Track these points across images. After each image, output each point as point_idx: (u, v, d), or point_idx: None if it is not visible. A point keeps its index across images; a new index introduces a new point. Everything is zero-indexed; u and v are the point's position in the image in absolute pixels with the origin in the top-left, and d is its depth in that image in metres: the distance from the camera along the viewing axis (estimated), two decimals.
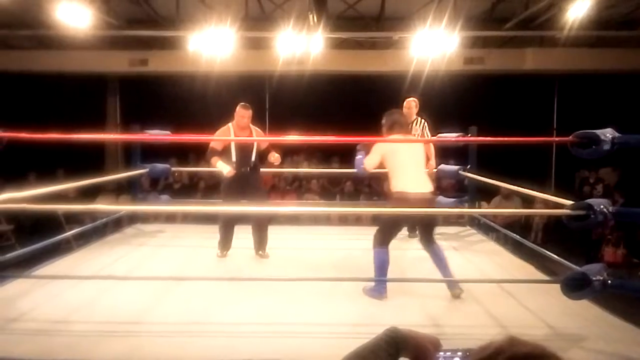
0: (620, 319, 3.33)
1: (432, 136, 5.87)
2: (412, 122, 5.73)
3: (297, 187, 9.73)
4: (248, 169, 4.69)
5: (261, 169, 4.93)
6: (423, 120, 5.77)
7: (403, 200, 3.65)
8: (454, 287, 3.72)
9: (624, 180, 9.79)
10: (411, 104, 5.73)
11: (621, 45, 9.72)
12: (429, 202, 3.72)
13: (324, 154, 10.19)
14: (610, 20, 8.69)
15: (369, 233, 5.88)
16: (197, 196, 9.02)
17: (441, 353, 1.10)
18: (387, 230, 3.79)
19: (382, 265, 3.72)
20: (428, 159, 5.70)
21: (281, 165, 5.11)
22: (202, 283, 3.88)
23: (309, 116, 9.63)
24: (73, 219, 7.66)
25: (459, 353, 1.09)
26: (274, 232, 4.92)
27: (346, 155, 9.77)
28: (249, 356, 2.70)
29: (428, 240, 3.85)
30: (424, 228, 3.87)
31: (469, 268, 4.59)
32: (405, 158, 3.77)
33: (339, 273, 4.23)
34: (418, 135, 5.73)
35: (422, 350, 1.11)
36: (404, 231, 5.94)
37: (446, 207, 6.09)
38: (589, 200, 3.23)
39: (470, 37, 9.22)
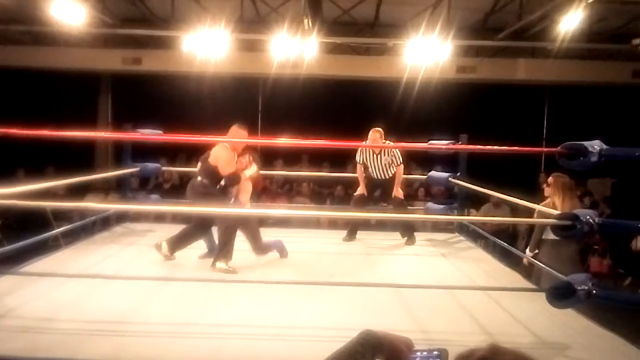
0: (605, 329, 3.35)
1: (403, 162, 5.77)
2: (379, 153, 5.68)
3: (287, 190, 9.73)
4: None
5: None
6: (392, 150, 5.66)
7: None
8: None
9: (615, 192, 9.90)
10: (375, 136, 5.51)
11: (611, 58, 9.86)
12: None
13: (316, 158, 10.19)
14: (602, 33, 8.82)
15: (358, 237, 5.94)
16: None
17: (418, 353, 1.12)
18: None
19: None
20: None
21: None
22: (190, 284, 3.88)
23: (301, 120, 9.64)
24: (62, 216, 7.60)
25: (435, 352, 1.10)
26: (263, 235, 4.91)
27: (337, 159, 9.90)
28: (235, 358, 2.70)
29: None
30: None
31: (457, 275, 4.61)
32: None
33: (326, 277, 4.23)
34: (387, 163, 5.70)
35: (396, 352, 1.13)
36: (398, 235, 5.96)
37: (435, 214, 6.13)
38: (576, 211, 3.27)
39: (463, 46, 9.30)
